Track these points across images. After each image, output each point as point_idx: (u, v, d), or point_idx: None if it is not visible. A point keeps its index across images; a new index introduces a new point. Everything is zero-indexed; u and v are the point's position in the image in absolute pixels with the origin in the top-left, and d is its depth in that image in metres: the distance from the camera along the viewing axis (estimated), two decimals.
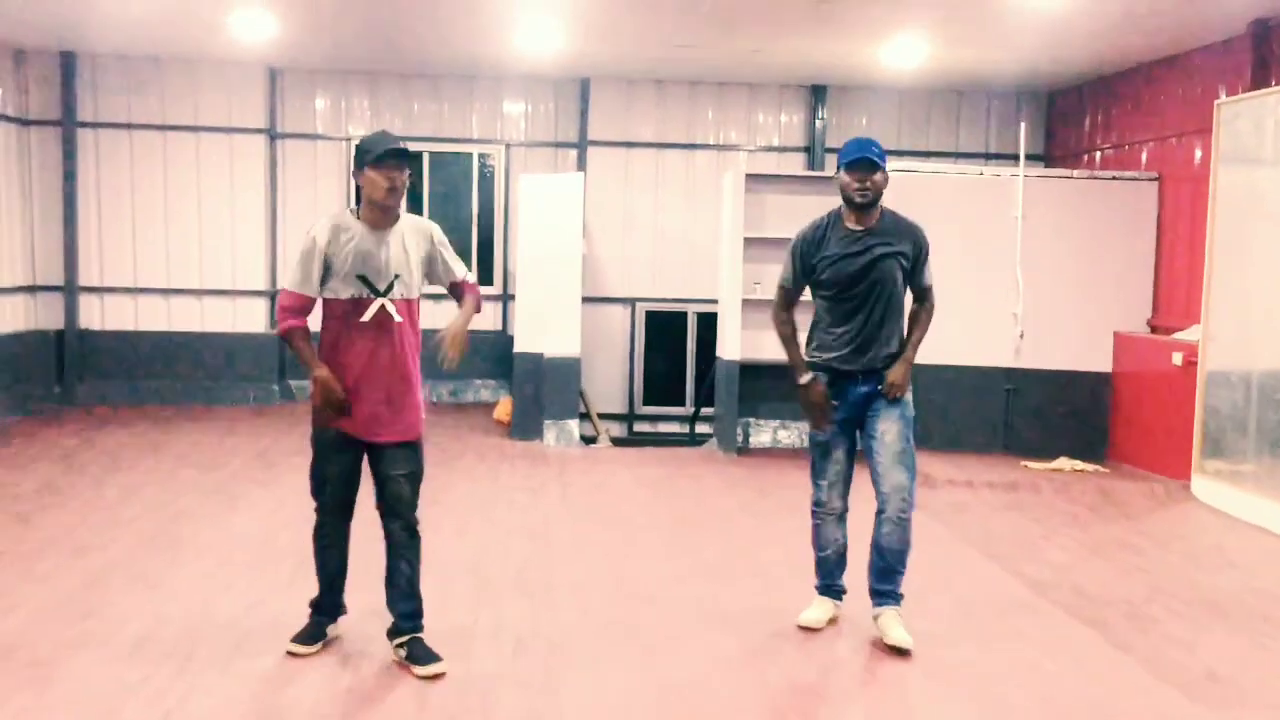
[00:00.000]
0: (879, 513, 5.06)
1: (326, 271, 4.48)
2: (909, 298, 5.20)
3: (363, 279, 4.47)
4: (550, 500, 7.86)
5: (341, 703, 4.24)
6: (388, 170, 4.44)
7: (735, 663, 4.80)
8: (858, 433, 5.15)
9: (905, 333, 5.17)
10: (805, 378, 5.07)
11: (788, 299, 5.21)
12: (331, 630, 4.84)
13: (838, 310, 5.06)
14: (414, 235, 4.63)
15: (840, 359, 5.06)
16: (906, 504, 4.99)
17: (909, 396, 5.12)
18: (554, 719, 4.15)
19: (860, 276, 4.99)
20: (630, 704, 4.33)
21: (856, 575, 5.24)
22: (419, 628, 4.63)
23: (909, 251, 5.07)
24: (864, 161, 4.94)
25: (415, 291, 4.63)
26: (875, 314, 5.03)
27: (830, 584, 5.28)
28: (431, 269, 4.74)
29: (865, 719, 4.36)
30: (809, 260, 5.09)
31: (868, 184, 4.96)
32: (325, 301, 4.54)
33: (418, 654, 4.55)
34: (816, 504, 5.21)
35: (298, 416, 10.86)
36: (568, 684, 4.48)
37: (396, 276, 4.52)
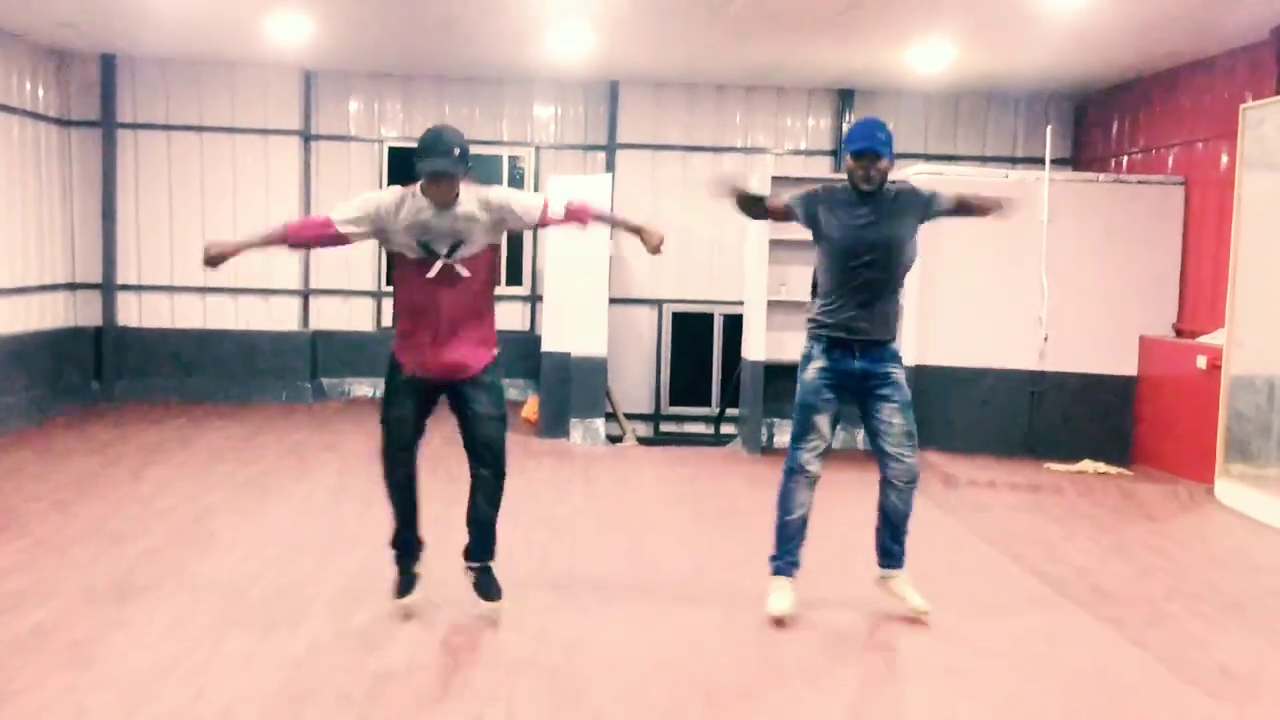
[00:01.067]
0: (888, 483, 5.26)
1: (381, 233, 4.90)
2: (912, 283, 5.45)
3: (424, 245, 4.85)
4: (574, 496, 7.97)
5: (367, 683, 4.35)
6: (428, 184, 4.83)
7: (755, 653, 4.89)
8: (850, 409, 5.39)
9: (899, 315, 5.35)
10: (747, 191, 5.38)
11: (767, 206, 5.42)
12: (421, 570, 5.23)
13: (838, 279, 5.17)
14: (476, 205, 4.91)
15: (839, 328, 5.18)
16: (915, 476, 5.25)
17: (903, 377, 5.26)
18: (574, 704, 4.26)
19: (867, 248, 5.11)
20: (649, 690, 4.42)
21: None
22: (487, 559, 5.16)
23: (917, 215, 5.23)
24: (869, 152, 5.08)
25: (480, 248, 4.94)
26: (875, 287, 5.15)
27: (789, 558, 5.34)
28: (507, 225, 5.05)
29: (882, 711, 4.43)
30: (815, 206, 5.23)
31: (872, 171, 5.10)
32: (398, 261, 4.97)
33: (483, 584, 5.13)
34: (794, 468, 5.28)
35: (329, 414, 11.05)
36: (589, 671, 4.59)
37: (459, 243, 4.87)
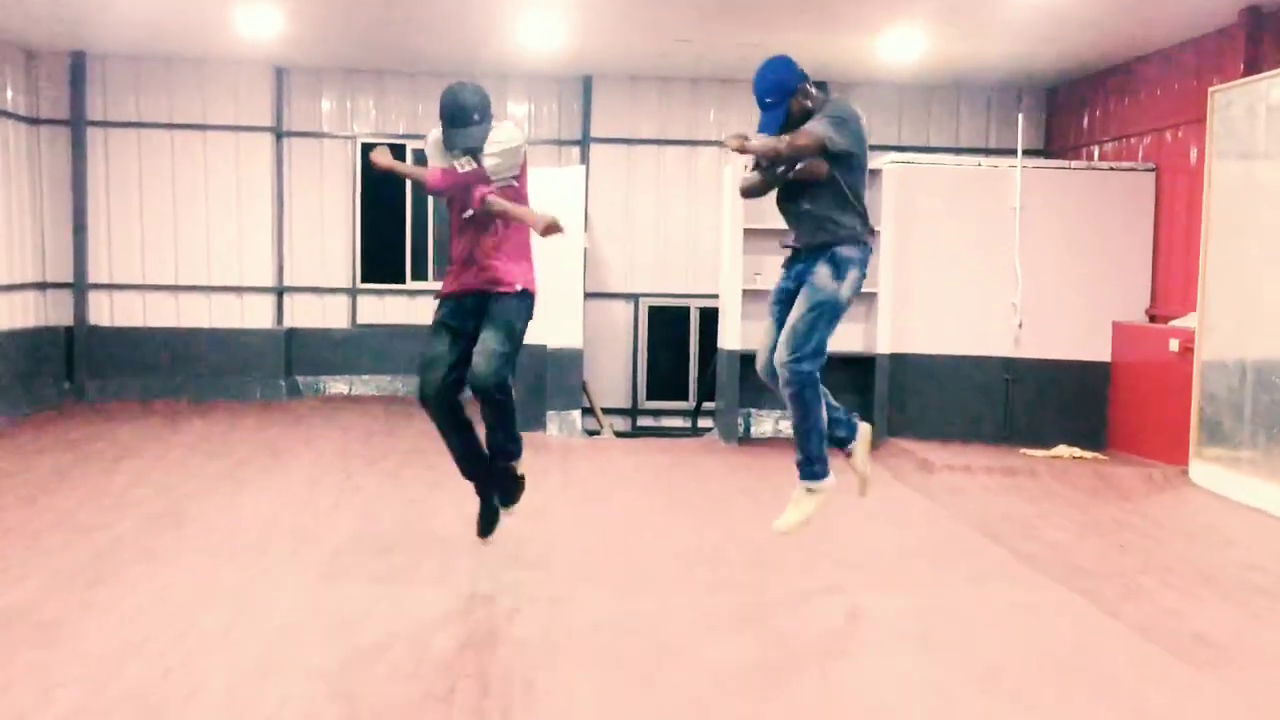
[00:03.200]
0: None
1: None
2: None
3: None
4: (551, 485, 7.93)
5: (339, 659, 4.32)
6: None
7: (730, 629, 4.87)
8: None
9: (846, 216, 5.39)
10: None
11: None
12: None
13: (780, 208, 5.54)
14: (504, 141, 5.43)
15: (792, 238, 5.48)
16: (780, 376, 5.29)
17: (823, 279, 5.29)
18: (549, 680, 4.23)
19: (787, 173, 5.39)
20: (623, 662, 4.40)
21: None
22: (508, 461, 5.67)
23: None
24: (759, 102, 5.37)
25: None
26: (805, 202, 5.37)
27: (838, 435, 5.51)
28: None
29: (858, 682, 4.42)
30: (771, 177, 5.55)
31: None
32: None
33: (506, 487, 5.74)
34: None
35: (304, 411, 10.99)
36: (563, 648, 4.56)
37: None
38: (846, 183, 5.31)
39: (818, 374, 5.27)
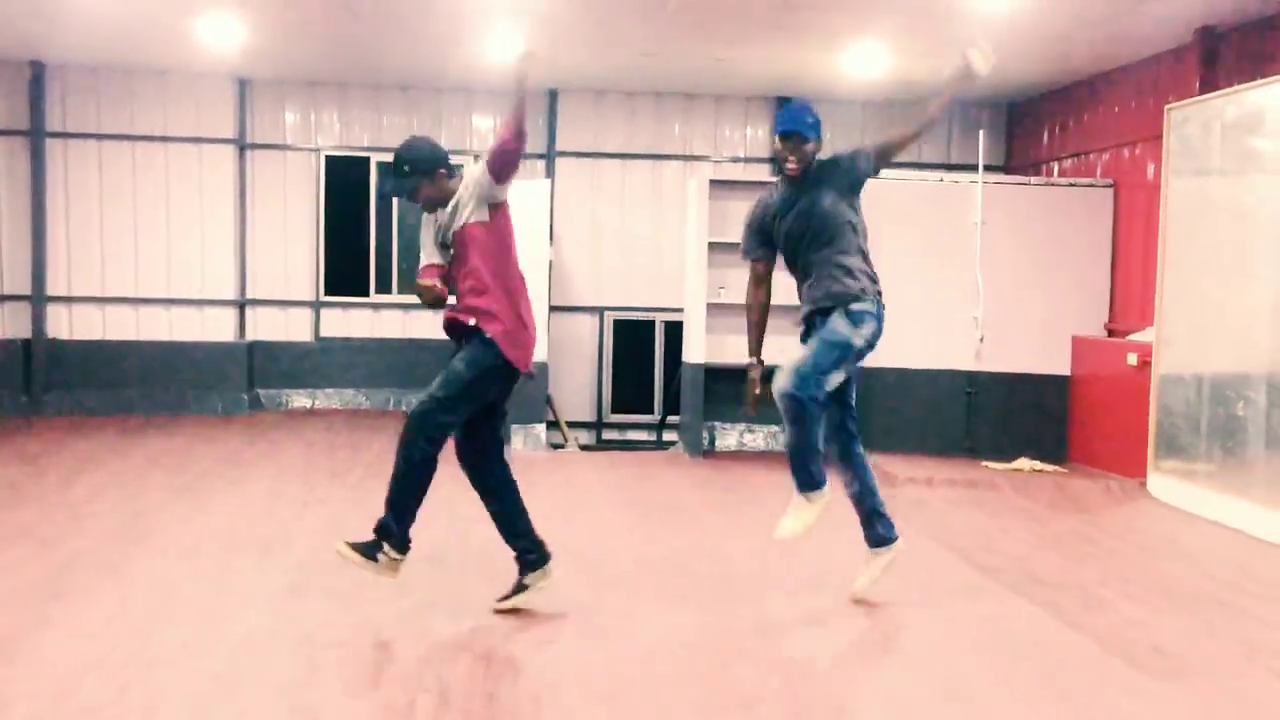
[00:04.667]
0: None
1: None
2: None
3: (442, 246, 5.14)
4: None
5: (301, 672, 4.29)
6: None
7: (692, 642, 4.88)
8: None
9: (863, 265, 5.29)
10: (749, 363, 5.38)
11: (754, 274, 5.41)
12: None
13: (789, 264, 5.30)
14: (463, 189, 5.09)
15: (805, 302, 5.29)
16: (782, 399, 5.12)
17: (837, 324, 5.18)
18: (510, 691, 4.22)
19: (803, 226, 5.19)
20: (586, 673, 4.40)
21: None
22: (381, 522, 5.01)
23: (841, 179, 5.23)
24: (794, 134, 5.16)
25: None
26: (820, 254, 5.21)
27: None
28: (483, 196, 5.06)
29: (818, 694, 4.44)
30: (765, 228, 5.32)
31: (798, 154, 5.16)
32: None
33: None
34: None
35: (266, 425, 10.90)
36: (525, 658, 4.55)
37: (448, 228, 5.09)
38: (860, 230, 5.29)
39: (815, 402, 5.13)
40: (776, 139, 5.24)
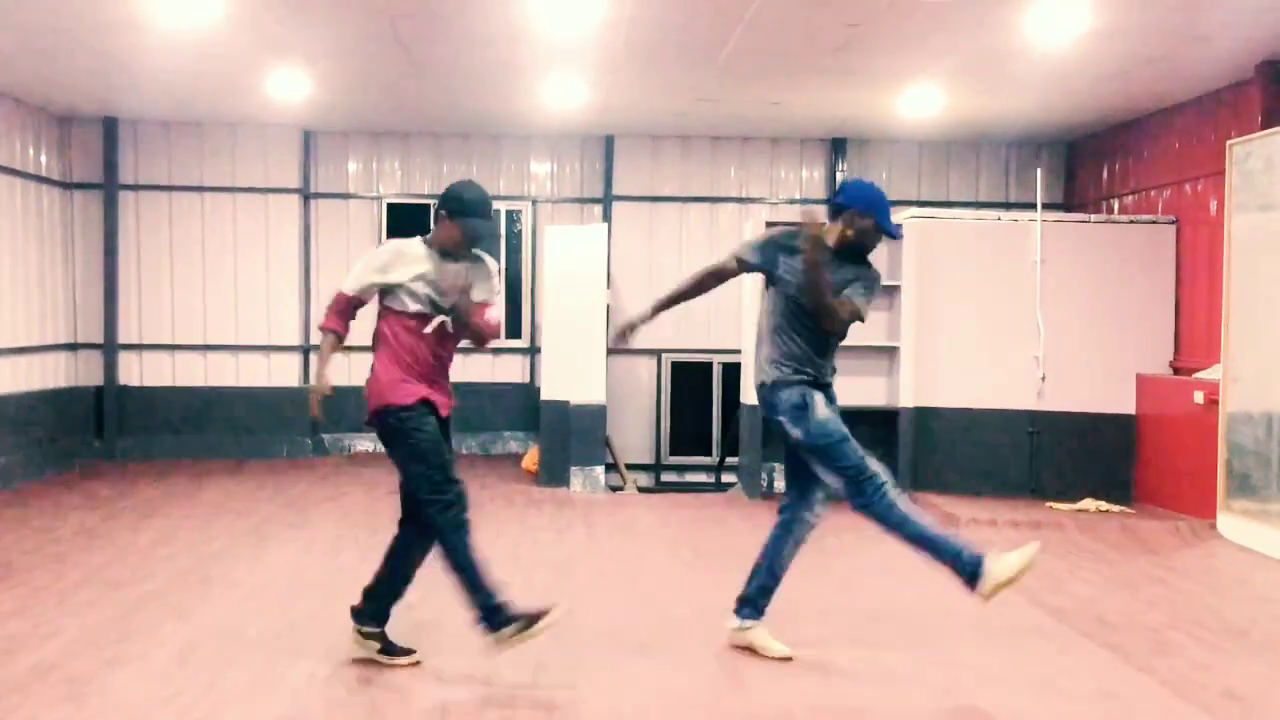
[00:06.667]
0: (800, 520, 5.26)
1: (385, 288, 4.93)
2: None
3: (430, 300, 4.89)
4: (575, 539, 7.96)
5: (362, 714, 4.33)
6: (469, 226, 4.93)
7: (754, 685, 4.86)
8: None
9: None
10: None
11: (723, 271, 5.51)
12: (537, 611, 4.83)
13: (810, 325, 5.12)
14: (478, 273, 5.03)
15: (822, 371, 5.18)
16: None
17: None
18: None
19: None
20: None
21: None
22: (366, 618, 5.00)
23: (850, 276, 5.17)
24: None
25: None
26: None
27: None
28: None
29: None
30: (773, 256, 5.27)
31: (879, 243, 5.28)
32: (394, 313, 4.95)
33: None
34: (885, 481, 5.01)
35: (330, 469, 11.05)
36: (587, 703, 4.56)
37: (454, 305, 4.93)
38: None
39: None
40: (875, 222, 5.15)
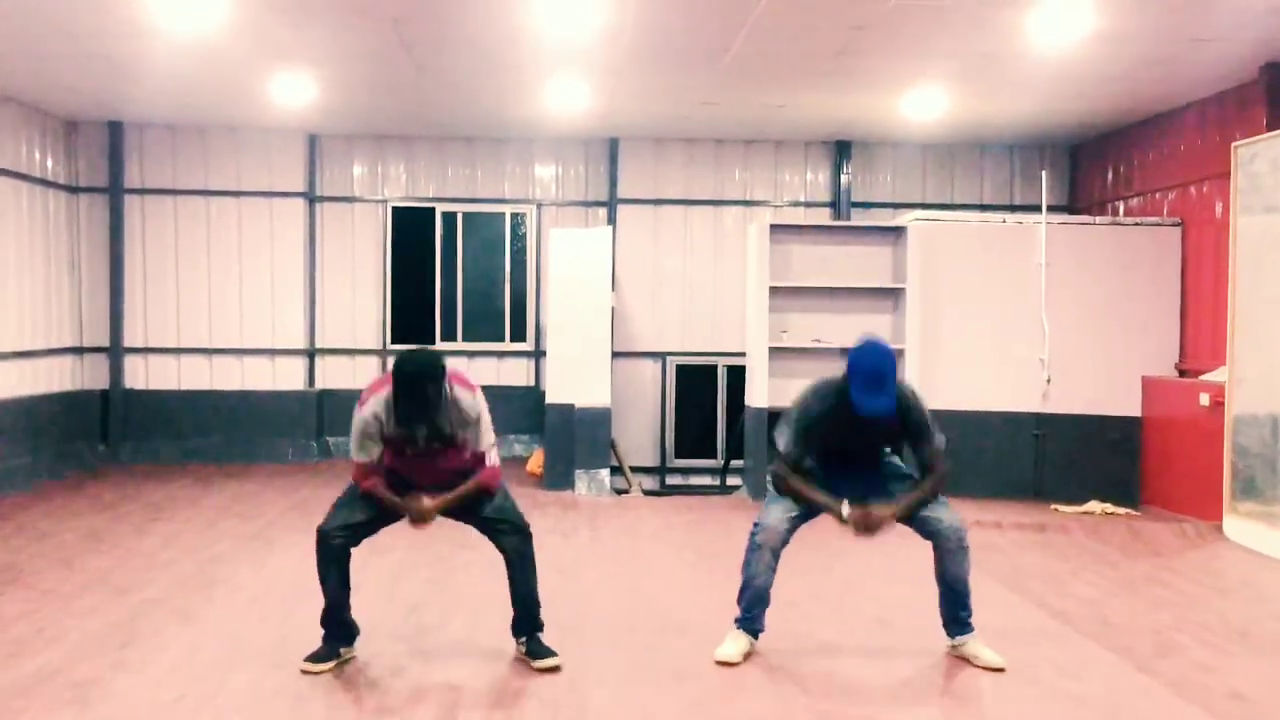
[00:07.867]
0: (942, 547, 5.17)
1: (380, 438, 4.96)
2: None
3: (406, 439, 4.90)
4: (580, 542, 7.96)
5: (369, 719, 4.33)
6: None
7: (759, 689, 4.85)
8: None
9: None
10: (844, 510, 5.01)
11: (794, 469, 5.14)
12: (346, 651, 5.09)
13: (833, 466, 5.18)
14: (456, 415, 5.01)
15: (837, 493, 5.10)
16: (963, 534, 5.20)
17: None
18: None
19: (862, 451, 5.21)
20: None
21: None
22: (533, 630, 5.11)
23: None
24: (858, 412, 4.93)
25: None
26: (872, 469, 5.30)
27: (752, 621, 5.27)
28: (466, 438, 5.06)
29: None
30: (814, 434, 5.07)
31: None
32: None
33: (534, 649, 5.04)
34: (760, 527, 5.24)
35: (335, 472, 11.04)
36: (594, 705, 4.56)
37: (435, 441, 4.94)
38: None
39: None
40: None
